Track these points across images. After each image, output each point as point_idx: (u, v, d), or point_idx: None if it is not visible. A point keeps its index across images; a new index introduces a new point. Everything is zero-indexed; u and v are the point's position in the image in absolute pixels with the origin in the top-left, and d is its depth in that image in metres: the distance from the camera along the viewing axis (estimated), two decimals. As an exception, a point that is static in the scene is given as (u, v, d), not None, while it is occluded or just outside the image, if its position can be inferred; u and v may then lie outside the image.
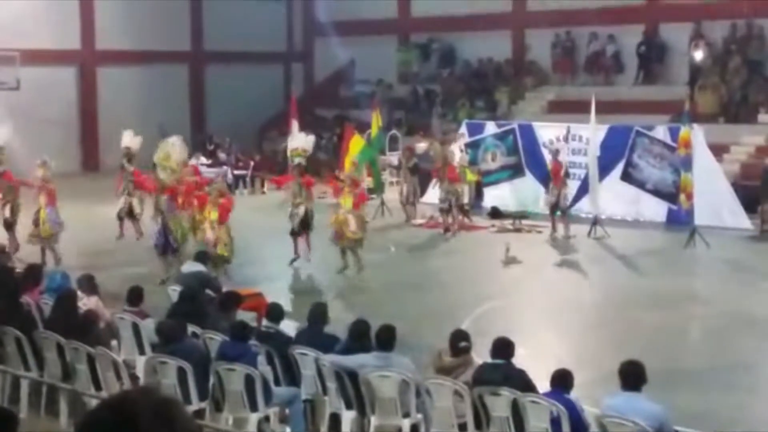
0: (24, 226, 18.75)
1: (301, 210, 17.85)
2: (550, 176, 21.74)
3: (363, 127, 27.50)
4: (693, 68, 28.21)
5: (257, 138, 34.70)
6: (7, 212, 18.74)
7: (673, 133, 22.20)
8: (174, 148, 16.91)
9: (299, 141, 19.11)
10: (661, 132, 23.32)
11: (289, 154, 19.21)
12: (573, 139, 23.56)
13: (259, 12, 36.13)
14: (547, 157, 22.81)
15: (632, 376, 8.17)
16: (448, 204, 22.02)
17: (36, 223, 18.20)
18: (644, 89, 29.59)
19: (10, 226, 18.75)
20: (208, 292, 12.82)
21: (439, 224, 22.52)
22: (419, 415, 9.39)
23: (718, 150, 23.75)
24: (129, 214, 20.49)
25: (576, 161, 23.23)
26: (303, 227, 17.92)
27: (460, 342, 9.54)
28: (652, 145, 23.32)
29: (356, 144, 22.50)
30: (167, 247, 16.67)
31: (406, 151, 25.55)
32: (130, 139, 20.98)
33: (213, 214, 16.59)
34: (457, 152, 23.82)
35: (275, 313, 10.90)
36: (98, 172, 31.34)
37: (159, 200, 16.94)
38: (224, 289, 13.15)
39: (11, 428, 3.63)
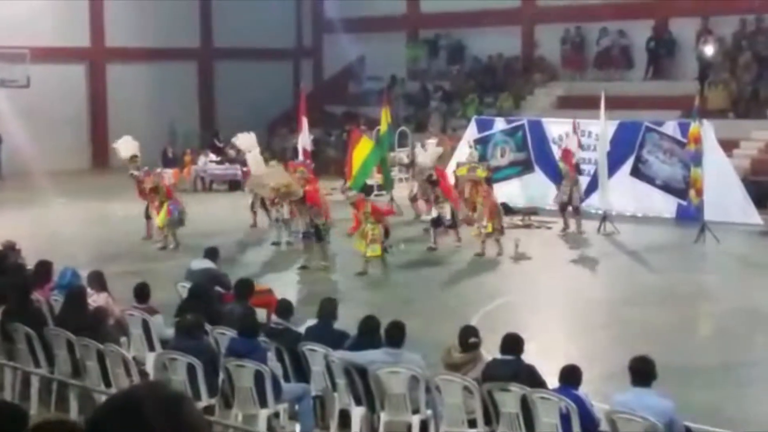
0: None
1: (447, 210, 19.63)
2: (565, 172, 21.60)
3: (372, 123, 27.45)
4: (703, 64, 28.12)
5: (266, 135, 34.68)
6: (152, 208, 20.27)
7: (683, 129, 22.13)
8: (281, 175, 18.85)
9: (426, 156, 21.50)
10: (671, 127, 23.23)
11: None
12: (582, 135, 23.51)
13: (268, 9, 36.16)
14: (557, 153, 22.77)
15: (642, 372, 8.16)
16: None
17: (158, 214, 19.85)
18: (654, 85, 29.51)
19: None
20: (218, 288, 12.82)
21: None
22: (429, 411, 9.39)
23: (728, 145, 23.67)
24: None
25: (585, 157, 23.17)
26: (452, 225, 19.68)
27: (469, 338, 9.52)
28: (661, 140, 23.25)
29: (363, 148, 22.22)
30: (312, 236, 18.23)
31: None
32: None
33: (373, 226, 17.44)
34: (465, 150, 23.81)
35: (285, 309, 10.90)
36: (108, 169, 31.36)
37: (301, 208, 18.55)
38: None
39: (22, 426, 3.63)
